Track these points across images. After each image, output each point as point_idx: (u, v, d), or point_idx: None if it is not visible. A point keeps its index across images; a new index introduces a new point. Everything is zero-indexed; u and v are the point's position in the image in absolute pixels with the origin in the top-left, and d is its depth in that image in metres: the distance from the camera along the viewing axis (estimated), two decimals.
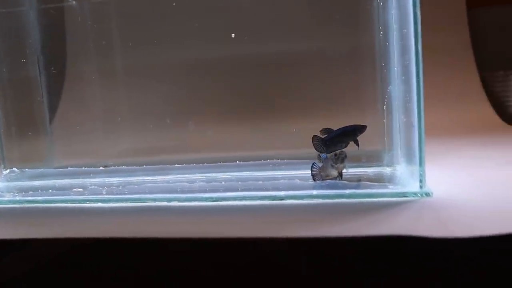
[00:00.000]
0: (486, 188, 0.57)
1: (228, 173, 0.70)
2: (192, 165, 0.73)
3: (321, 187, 0.56)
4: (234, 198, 0.56)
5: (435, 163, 0.71)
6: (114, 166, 0.76)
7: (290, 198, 0.54)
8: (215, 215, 0.53)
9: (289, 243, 0.43)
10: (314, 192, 0.54)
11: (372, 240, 0.42)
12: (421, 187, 0.53)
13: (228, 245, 0.45)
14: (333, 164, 0.54)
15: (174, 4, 0.76)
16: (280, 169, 0.70)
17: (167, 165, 0.74)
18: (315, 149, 0.67)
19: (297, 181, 0.57)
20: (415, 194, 0.52)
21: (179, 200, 0.58)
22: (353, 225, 0.45)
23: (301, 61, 0.75)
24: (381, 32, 0.66)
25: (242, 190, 0.58)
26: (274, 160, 0.70)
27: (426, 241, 0.40)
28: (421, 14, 0.51)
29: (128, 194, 0.61)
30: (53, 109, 0.87)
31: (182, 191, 0.60)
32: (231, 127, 0.80)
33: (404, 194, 0.53)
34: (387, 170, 0.67)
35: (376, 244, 0.42)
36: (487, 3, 1.40)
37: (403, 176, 0.61)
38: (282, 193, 0.55)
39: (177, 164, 0.73)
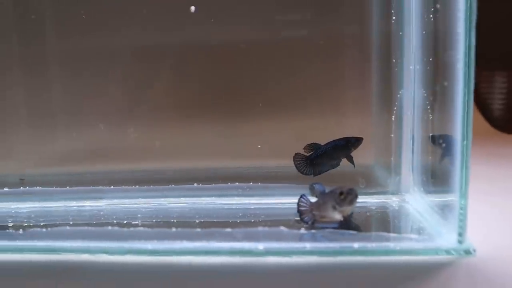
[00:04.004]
0: None
1: (182, 202, 0.52)
2: (133, 187, 0.54)
3: (316, 238, 0.38)
4: (190, 252, 0.38)
5: None
6: (26, 184, 0.55)
7: (274, 254, 0.37)
8: (158, 281, 0.35)
9: None
10: (308, 245, 0.37)
11: None
12: (460, 241, 0.37)
13: None
14: (337, 206, 0.37)
15: None
16: (251, 196, 0.52)
17: (99, 187, 0.54)
18: (298, 170, 0.51)
19: (283, 228, 0.39)
20: (455, 251, 0.36)
21: (109, 252, 0.39)
22: None
23: (283, 51, 0.57)
24: (393, 17, 0.49)
25: (200, 239, 0.39)
26: (243, 184, 0.52)
27: None
28: None
29: (34, 239, 0.41)
30: None
31: (115, 236, 0.41)
32: (185, 131, 0.60)
33: (438, 251, 0.36)
34: (393, 201, 0.50)
35: None
36: None
37: (419, 213, 0.46)
38: (262, 246, 0.37)
39: (113, 184, 0.54)
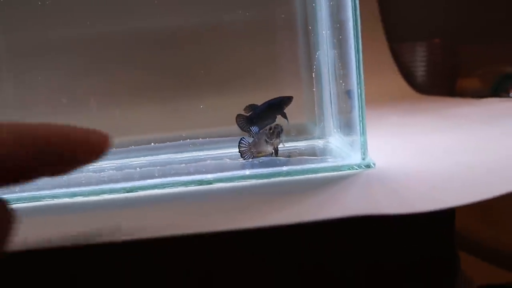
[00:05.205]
0: (420, 155, 0.55)
1: (142, 158, 0.60)
2: None
3: (254, 166, 0.49)
4: (153, 187, 0.47)
5: None
6: None
7: (220, 181, 0.47)
8: (129, 208, 0.44)
9: (224, 238, 0.36)
10: (247, 172, 0.47)
11: (328, 223, 0.36)
12: (363, 158, 0.48)
13: (148, 247, 0.36)
14: (268, 140, 0.47)
15: None
16: (201, 149, 0.62)
17: None
18: (241, 129, 0.60)
19: (227, 160, 0.49)
20: (358, 166, 0.48)
21: (83, 194, 0.47)
22: (296, 208, 0.39)
23: (211, 31, 0.66)
24: None
25: (161, 176, 0.49)
26: (194, 140, 0.62)
27: (389, 220, 0.35)
28: None
29: (18, 192, 0.49)
30: None
31: (87, 183, 0.50)
32: (140, 107, 0.68)
33: (347, 167, 0.48)
34: (319, 143, 0.62)
35: (334, 227, 0.37)
36: None
37: (339, 148, 0.57)
38: (210, 175, 0.47)
39: None
